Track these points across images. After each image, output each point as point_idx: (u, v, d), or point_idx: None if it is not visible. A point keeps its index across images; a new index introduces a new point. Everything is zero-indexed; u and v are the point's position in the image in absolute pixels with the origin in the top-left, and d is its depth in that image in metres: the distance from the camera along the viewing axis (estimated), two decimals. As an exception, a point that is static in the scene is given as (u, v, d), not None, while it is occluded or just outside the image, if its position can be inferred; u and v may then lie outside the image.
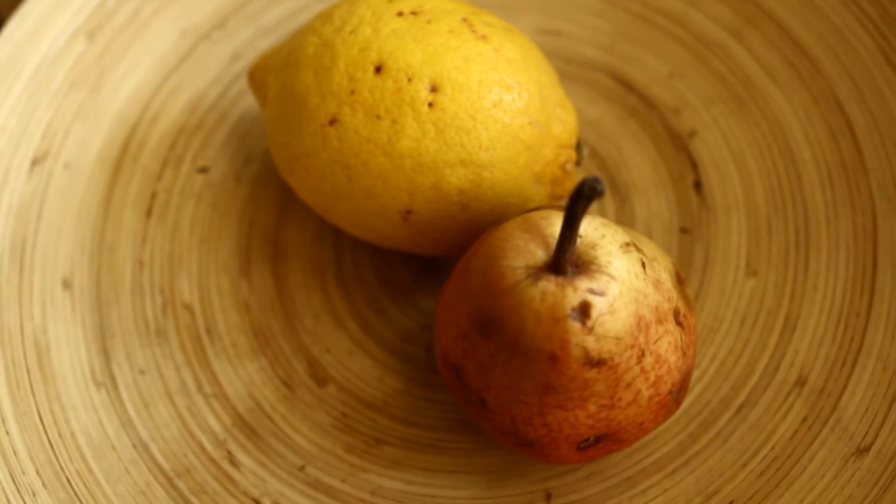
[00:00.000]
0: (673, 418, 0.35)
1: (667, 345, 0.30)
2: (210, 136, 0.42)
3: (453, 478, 0.35)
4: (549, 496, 0.35)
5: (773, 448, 0.34)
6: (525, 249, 0.29)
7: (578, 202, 0.27)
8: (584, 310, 0.28)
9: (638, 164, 0.41)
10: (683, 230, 0.39)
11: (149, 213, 0.41)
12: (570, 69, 0.43)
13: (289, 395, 0.37)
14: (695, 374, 0.36)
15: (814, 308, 0.36)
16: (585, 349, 0.29)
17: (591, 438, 0.31)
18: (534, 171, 0.35)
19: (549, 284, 0.28)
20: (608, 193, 0.40)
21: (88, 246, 0.40)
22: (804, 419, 0.35)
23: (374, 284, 0.40)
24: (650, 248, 0.32)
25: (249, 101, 0.43)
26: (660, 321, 0.30)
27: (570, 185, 0.36)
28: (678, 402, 0.32)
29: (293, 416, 0.37)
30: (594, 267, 0.29)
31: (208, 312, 0.39)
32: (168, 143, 0.42)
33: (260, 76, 0.38)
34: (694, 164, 0.40)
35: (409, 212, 0.34)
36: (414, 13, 0.35)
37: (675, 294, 0.31)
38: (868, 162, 0.38)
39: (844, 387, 0.35)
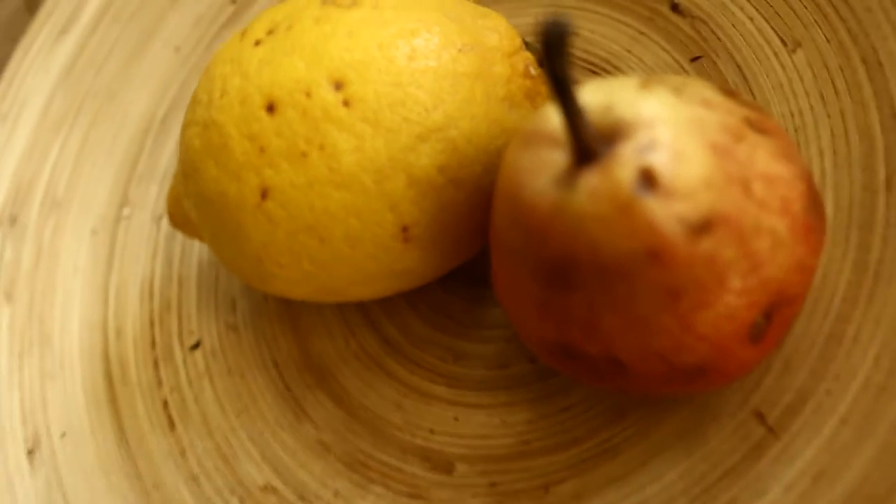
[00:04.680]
0: (826, 240, 0.28)
1: (765, 158, 0.23)
2: (181, 309, 0.36)
3: (650, 469, 0.28)
4: (761, 416, 0.27)
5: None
6: (539, 163, 0.23)
7: (555, 59, 0.20)
8: (646, 176, 0.21)
9: (603, 31, 0.34)
10: (695, 58, 0.32)
11: (171, 424, 0.35)
12: None
13: (424, 504, 0.31)
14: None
15: (889, 31, 0.29)
16: (681, 218, 0.21)
17: (760, 319, 0.24)
18: (499, 96, 0.28)
19: (589, 178, 0.22)
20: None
21: (132, 497, 0.33)
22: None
23: (433, 335, 0.33)
24: (673, 79, 0.25)
25: (196, 251, 0.37)
26: (738, 138, 0.23)
27: (546, 89, 0.30)
28: (821, 215, 0.25)
29: (442, 521, 0.30)
30: (622, 127, 0.22)
31: (291, 479, 0.32)
32: (146, 343, 0.36)
33: (177, 211, 0.32)
34: (658, -7, 0.33)
35: (405, 229, 0.28)
36: (270, 32, 0.29)
37: (733, 105, 0.24)
38: None
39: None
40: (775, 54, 0.31)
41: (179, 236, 0.38)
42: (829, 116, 0.29)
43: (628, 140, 0.22)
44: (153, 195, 0.38)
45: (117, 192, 0.39)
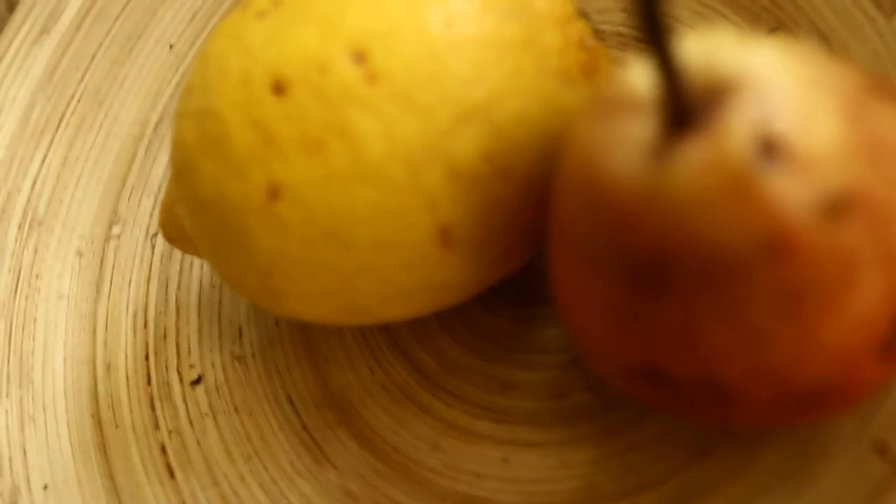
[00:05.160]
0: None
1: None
2: (180, 339, 0.32)
3: (747, 515, 0.23)
4: (884, 448, 0.22)
5: None
6: (621, 134, 0.18)
7: (654, 5, 0.15)
8: (767, 145, 0.17)
9: (661, 7, 0.29)
10: (773, 29, 0.28)
11: (170, 471, 0.30)
12: None
13: (470, 564, 0.26)
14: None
15: None
16: (813, 198, 0.17)
17: (892, 327, 0.19)
18: (552, 70, 0.23)
19: (690, 150, 0.17)
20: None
21: (125, 559, 0.29)
22: None
23: (473, 362, 0.28)
24: (769, 39, 0.20)
25: (196, 272, 0.32)
26: (863, 103, 0.18)
27: (606, 64, 0.25)
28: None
29: (493, 584, 0.25)
30: (728, 84, 0.17)
31: (309, 534, 0.28)
32: (141, 379, 0.31)
33: (170, 221, 0.28)
34: (723, -41, 0.29)
35: (445, 231, 0.23)
36: (276, 1, 0.24)
37: (848, 67, 0.20)
38: None
39: None
40: (870, 21, 0.26)
41: (177, 256, 0.33)
42: (947, 85, 0.25)
43: (737, 100, 0.17)
44: (146, 210, 0.34)
45: (106, 208, 0.34)
